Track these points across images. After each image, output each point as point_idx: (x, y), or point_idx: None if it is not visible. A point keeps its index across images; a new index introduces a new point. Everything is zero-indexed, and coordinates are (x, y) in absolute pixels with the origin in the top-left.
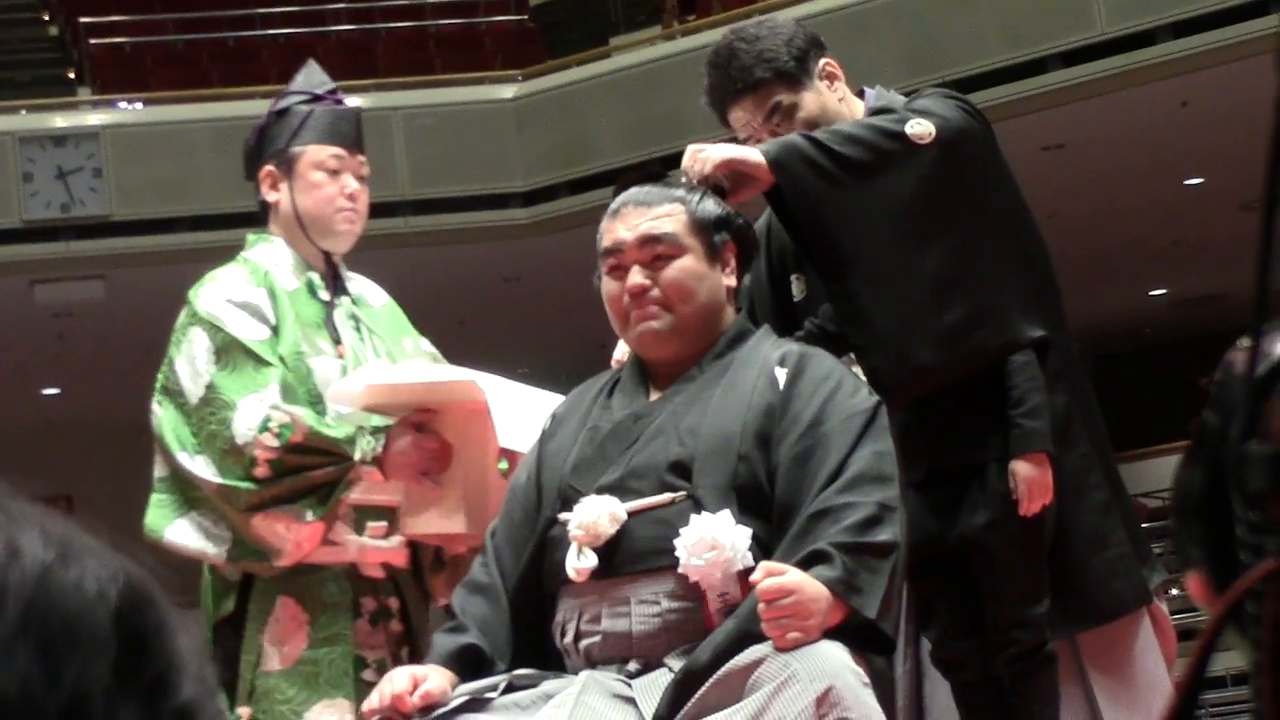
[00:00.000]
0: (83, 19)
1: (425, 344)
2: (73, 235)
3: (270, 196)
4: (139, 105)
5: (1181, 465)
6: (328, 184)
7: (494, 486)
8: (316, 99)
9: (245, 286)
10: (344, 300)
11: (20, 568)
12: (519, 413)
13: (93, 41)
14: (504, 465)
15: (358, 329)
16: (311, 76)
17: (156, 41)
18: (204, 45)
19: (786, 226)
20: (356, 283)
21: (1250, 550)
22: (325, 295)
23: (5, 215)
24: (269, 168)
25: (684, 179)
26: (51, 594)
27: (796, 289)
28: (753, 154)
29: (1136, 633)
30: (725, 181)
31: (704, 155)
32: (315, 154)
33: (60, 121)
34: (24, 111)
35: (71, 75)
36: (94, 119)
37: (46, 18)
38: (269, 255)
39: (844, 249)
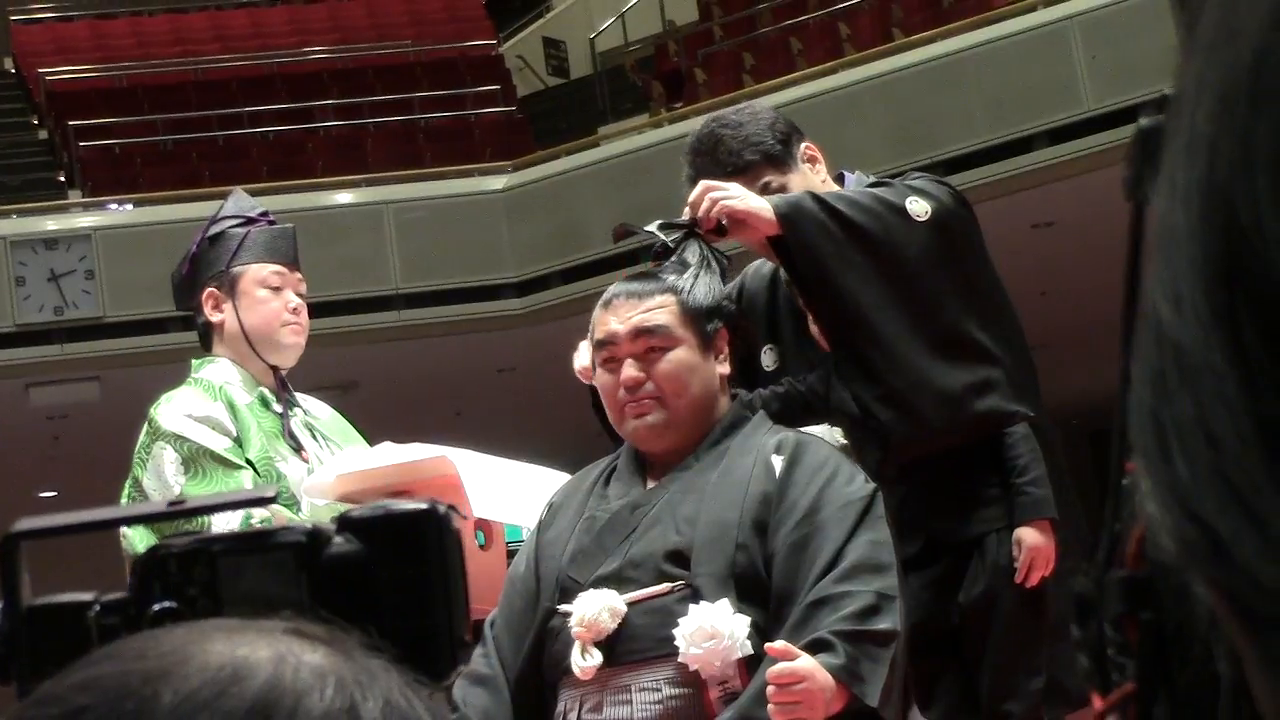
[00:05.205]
0: (71, 121)
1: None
2: (66, 337)
3: (214, 317)
4: (129, 206)
5: (1080, 573)
6: (271, 300)
7: (472, 557)
8: (250, 221)
9: (204, 402)
10: (296, 411)
11: None
12: (492, 482)
13: (82, 144)
14: (481, 538)
15: (314, 436)
16: (241, 201)
17: (146, 142)
18: (193, 144)
19: (792, 279)
20: (302, 398)
21: (1117, 670)
22: (278, 408)
23: None
24: (211, 289)
25: (687, 213)
26: None
27: (769, 359)
28: (763, 209)
29: None
30: (725, 222)
31: (714, 195)
32: (257, 272)
33: (51, 224)
34: (15, 215)
35: (61, 178)
36: (85, 221)
37: (35, 121)
38: (219, 373)
39: (849, 308)
